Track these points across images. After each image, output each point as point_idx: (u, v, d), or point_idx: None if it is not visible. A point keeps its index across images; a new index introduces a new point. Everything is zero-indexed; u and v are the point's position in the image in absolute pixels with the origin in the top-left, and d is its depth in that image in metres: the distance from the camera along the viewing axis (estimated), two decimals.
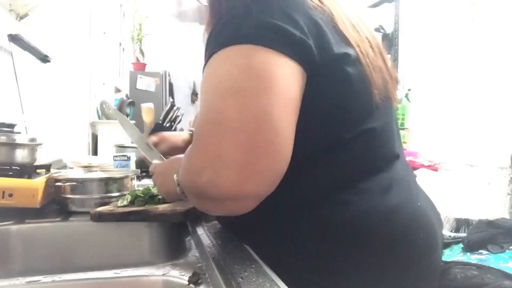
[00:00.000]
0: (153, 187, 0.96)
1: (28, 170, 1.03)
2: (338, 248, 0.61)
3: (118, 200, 0.97)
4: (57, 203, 1.02)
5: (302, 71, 0.58)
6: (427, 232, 0.67)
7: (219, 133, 0.53)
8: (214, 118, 0.55)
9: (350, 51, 0.63)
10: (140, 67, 4.06)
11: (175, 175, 0.70)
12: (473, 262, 1.92)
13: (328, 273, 0.61)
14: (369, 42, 0.69)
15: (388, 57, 0.77)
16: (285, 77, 0.55)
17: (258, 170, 0.53)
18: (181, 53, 5.34)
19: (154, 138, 1.17)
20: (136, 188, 1.02)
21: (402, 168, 0.70)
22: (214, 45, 0.58)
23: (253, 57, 0.55)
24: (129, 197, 0.94)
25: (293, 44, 0.56)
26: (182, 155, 0.77)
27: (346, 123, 0.63)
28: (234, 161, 0.52)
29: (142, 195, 0.94)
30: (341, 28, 0.64)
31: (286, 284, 0.51)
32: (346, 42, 0.63)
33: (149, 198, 0.94)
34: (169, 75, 4.28)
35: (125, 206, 0.93)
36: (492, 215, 2.60)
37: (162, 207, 0.89)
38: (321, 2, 0.64)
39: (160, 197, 0.94)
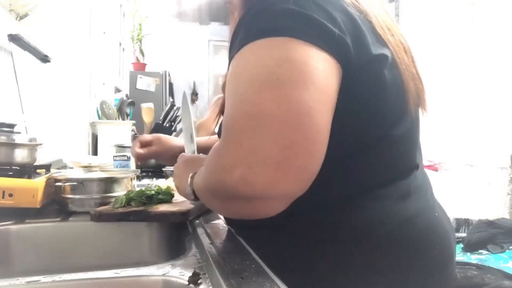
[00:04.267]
0: (146, 189, 0.96)
1: (28, 170, 1.03)
2: (350, 252, 0.59)
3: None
4: (57, 203, 1.02)
5: (340, 68, 0.55)
6: (443, 244, 0.65)
7: (254, 127, 0.50)
8: (248, 111, 0.51)
9: (387, 53, 0.61)
10: (140, 67, 4.06)
11: (189, 176, 0.67)
12: (473, 262, 1.92)
13: (337, 276, 0.59)
14: (403, 47, 0.66)
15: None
16: (326, 73, 0.53)
17: (296, 168, 0.50)
18: (181, 53, 5.35)
19: (148, 137, 1.14)
20: (131, 190, 1.02)
21: (421, 178, 0.68)
22: (246, 36, 0.55)
23: (293, 50, 0.52)
24: (123, 199, 0.94)
25: (333, 41, 0.54)
26: (201, 155, 0.74)
27: (373, 129, 0.61)
28: (272, 158, 0.48)
29: (136, 197, 0.94)
30: (378, 29, 0.61)
31: (287, 285, 0.51)
32: (384, 44, 0.61)
33: (147, 198, 0.94)
34: (169, 75, 4.29)
35: (121, 207, 0.93)
36: (492, 215, 2.60)
37: (162, 207, 0.89)
38: (357, 1, 0.61)
39: (159, 197, 0.94)
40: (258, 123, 0.50)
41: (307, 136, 0.50)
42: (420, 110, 0.70)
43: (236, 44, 0.57)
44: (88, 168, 1.34)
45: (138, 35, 4.13)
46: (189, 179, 0.67)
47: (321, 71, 0.52)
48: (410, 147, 0.66)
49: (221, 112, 0.72)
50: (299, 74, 0.51)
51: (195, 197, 0.67)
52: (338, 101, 0.56)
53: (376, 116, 0.60)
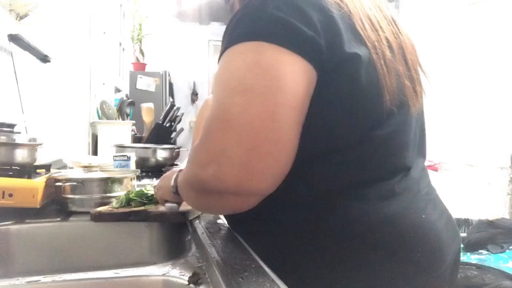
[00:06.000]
0: (147, 189, 0.96)
1: (28, 170, 1.03)
2: (326, 250, 0.60)
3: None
4: (57, 203, 1.02)
5: (313, 70, 0.57)
6: (428, 247, 0.62)
7: (224, 129, 0.54)
8: (221, 114, 0.55)
9: (363, 51, 0.60)
10: (140, 67, 4.06)
11: (174, 176, 0.72)
12: (473, 262, 1.92)
13: (317, 275, 0.60)
14: (388, 42, 0.65)
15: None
16: (294, 76, 0.55)
17: (260, 169, 0.53)
18: (181, 53, 5.34)
19: None
20: (131, 190, 1.02)
21: (412, 179, 0.66)
22: (228, 40, 0.59)
23: (263, 54, 0.55)
24: (123, 199, 0.94)
25: (304, 43, 0.55)
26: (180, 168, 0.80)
27: (351, 129, 0.60)
28: (237, 158, 0.52)
29: (135, 198, 0.94)
30: (358, 27, 0.61)
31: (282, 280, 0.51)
32: (361, 42, 0.61)
33: (147, 198, 0.94)
34: (169, 75, 4.28)
35: (121, 207, 0.93)
36: (492, 215, 2.60)
37: (162, 207, 0.89)
38: None
39: None
40: (227, 125, 0.54)
41: (270, 139, 0.53)
42: (407, 109, 0.66)
43: (222, 49, 0.61)
44: (88, 168, 1.34)
45: (138, 35, 4.12)
46: (175, 175, 0.73)
47: (288, 74, 0.54)
48: (396, 148, 0.64)
49: None
50: (266, 78, 0.54)
51: (176, 191, 0.71)
52: (314, 102, 0.58)
53: (353, 116, 0.60)
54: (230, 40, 0.58)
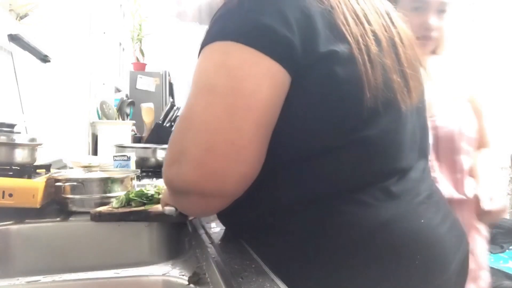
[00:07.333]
0: (147, 189, 0.96)
1: (28, 170, 1.03)
2: (320, 258, 0.58)
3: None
4: (57, 203, 1.02)
5: (284, 71, 0.54)
6: (428, 254, 0.59)
7: (185, 129, 0.55)
8: (185, 114, 0.56)
9: (341, 48, 0.56)
10: (140, 67, 4.06)
11: None
12: None
13: (303, 280, 0.58)
14: (375, 36, 0.61)
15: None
16: (259, 77, 0.53)
17: (216, 170, 0.52)
18: (181, 53, 5.34)
19: None
20: (131, 190, 1.02)
21: (411, 181, 0.63)
22: (203, 41, 0.59)
23: (230, 55, 0.54)
24: (123, 199, 0.94)
25: (275, 43, 0.53)
26: None
27: (333, 130, 0.58)
28: (194, 158, 0.53)
29: (135, 197, 0.93)
30: (340, 22, 0.58)
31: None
32: (341, 38, 0.57)
33: (147, 198, 0.94)
34: (169, 75, 4.27)
35: (121, 207, 0.93)
36: None
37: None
38: None
39: (159, 196, 0.94)
40: (188, 125, 0.55)
41: (227, 140, 0.52)
42: (397, 106, 0.62)
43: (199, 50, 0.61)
44: (88, 168, 1.34)
45: (138, 35, 4.12)
46: None
47: (253, 75, 0.53)
48: (388, 148, 0.61)
49: None
50: (228, 79, 0.53)
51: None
52: (290, 103, 0.56)
53: (333, 116, 0.57)
54: (204, 40, 0.58)
